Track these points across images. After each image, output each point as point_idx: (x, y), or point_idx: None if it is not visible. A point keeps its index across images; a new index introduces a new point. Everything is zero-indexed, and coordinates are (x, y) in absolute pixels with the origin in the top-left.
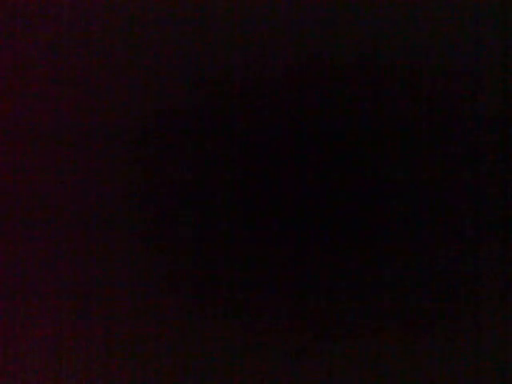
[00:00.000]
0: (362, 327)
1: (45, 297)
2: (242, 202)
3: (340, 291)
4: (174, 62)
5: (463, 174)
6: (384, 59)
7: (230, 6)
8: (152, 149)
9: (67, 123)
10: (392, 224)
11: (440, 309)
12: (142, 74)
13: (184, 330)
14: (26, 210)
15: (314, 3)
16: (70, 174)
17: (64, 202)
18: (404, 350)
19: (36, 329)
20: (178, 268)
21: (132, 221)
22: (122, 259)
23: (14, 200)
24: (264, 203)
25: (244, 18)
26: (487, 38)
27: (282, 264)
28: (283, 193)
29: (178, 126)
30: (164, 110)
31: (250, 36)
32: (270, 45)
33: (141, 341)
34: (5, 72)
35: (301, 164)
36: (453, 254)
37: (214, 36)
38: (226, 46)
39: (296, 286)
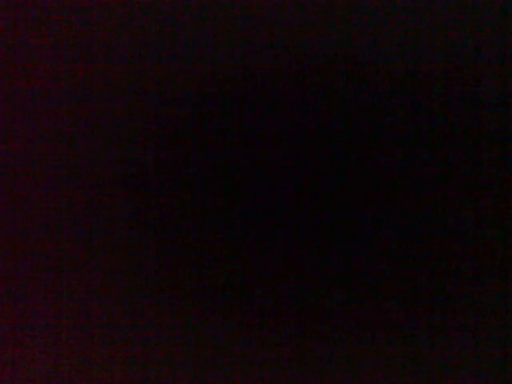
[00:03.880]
0: (362, 328)
1: (45, 297)
2: (241, 200)
3: (340, 291)
4: (175, 61)
5: (463, 173)
6: (384, 58)
7: (231, 3)
8: (153, 149)
9: (66, 122)
10: (391, 224)
11: (439, 309)
12: (141, 74)
13: (184, 331)
14: (26, 210)
15: (315, 2)
16: (69, 174)
17: (64, 202)
18: (403, 349)
19: (36, 329)
20: (178, 268)
21: (132, 221)
22: (122, 259)
23: (14, 199)
24: (263, 201)
25: (245, 15)
26: (487, 38)
27: (281, 264)
28: (283, 193)
29: (179, 126)
30: (164, 110)
31: (251, 33)
32: (271, 43)
33: (141, 341)
34: (5, 72)
35: (300, 164)
36: (453, 253)
37: (215, 35)
38: (226, 44)
39: (295, 287)
